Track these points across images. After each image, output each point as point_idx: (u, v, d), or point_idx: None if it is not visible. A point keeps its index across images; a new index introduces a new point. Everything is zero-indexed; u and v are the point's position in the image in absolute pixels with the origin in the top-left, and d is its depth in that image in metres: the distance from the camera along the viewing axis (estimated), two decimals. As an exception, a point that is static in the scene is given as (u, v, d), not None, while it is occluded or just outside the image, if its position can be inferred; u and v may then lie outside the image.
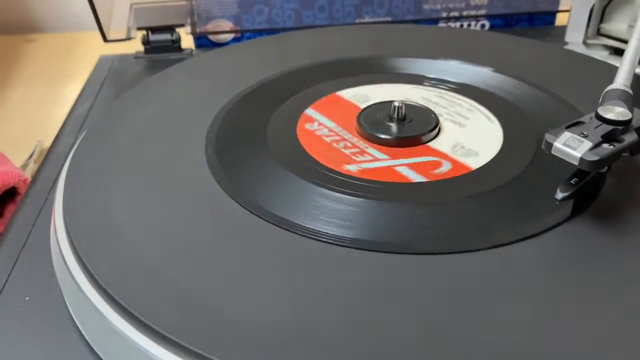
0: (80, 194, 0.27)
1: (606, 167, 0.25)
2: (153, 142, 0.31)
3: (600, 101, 0.26)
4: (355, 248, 0.23)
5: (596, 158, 0.22)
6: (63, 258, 0.24)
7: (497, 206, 0.25)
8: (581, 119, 0.24)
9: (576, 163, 0.23)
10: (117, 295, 0.21)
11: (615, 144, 0.23)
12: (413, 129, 0.30)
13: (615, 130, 0.24)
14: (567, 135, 0.23)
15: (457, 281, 0.22)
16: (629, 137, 0.24)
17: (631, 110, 0.24)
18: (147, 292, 0.21)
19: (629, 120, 0.24)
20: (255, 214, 0.25)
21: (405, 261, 0.23)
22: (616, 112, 0.24)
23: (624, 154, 0.24)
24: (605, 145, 0.23)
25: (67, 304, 0.24)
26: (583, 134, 0.23)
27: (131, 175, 0.28)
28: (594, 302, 0.21)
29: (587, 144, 0.23)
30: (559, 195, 0.24)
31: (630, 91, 0.26)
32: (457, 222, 0.24)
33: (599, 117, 0.24)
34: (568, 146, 0.23)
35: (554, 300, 0.21)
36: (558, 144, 0.23)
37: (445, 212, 0.25)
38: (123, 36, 0.50)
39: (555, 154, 0.23)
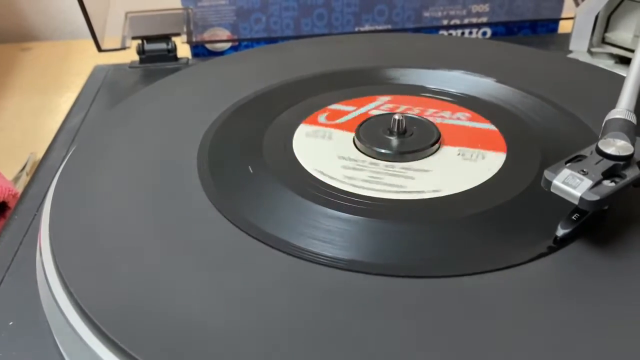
0: (67, 214, 0.26)
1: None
2: (144, 157, 0.30)
3: (601, 131, 0.25)
4: (350, 270, 0.22)
5: (596, 198, 0.21)
6: (48, 282, 0.23)
7: (497, 227, 0.24)
8: (581, 153, 0.24)
9: (576, 202, 0.22)
10: (103, 324, 0.20)
11: (617, 180, 0.22)
12: (414, 143, 0.29)
13: (616, 166, 0.23)
14: (566, 172, 0.22)
15: (454, 305, 0.21)
16: (631, 173, 0.23)
17: (633, 143, 0.24)
18: (133, 321, 0.20)
19: (631, 155, 0.23)
20: (248, 233, 0.24)
21: (401, 284, 0.22)
22: (617, 146, 0.23)
23: None
24: (606, 183, 0.22)
25: (52, 331, 0.23)
26: (583, 171, 0.22)
27: (121, 194, 0.27)
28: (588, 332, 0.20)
29: (587, 182, 0.22)
30: (560, 232, 0.23)
31: (633, 118, 0.25)
32: (454, 243, 0.23)
33: (600, 152, 0.23)
34: (567, 184, 0.22)
35: (553, 329, 0.20)
36: (557, 182, 0.22)
37: (441, 232, 0.24)
38: (117, 46, 0.49)
39: (554, 192, 0.22)
